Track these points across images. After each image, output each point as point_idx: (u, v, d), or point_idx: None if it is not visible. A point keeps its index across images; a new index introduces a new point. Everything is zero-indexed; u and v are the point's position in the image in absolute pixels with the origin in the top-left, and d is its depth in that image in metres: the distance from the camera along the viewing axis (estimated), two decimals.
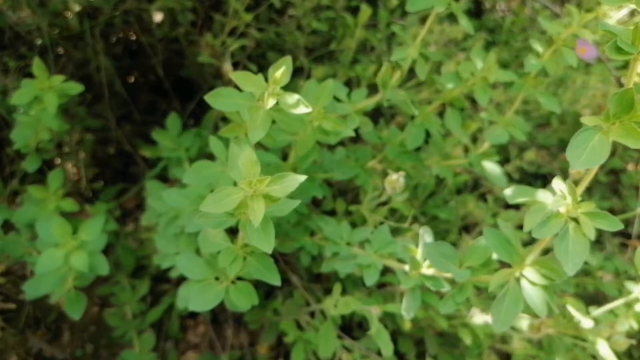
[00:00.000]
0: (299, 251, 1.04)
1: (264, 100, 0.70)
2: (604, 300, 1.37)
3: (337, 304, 0.94)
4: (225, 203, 0.60)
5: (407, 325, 1.10)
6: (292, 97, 0.71)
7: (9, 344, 1.25)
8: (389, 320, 1.16)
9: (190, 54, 1.58)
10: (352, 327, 1.33)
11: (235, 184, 0.63)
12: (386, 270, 0.96)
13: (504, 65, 1.73)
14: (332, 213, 1.17)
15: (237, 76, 0.70)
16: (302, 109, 0.70)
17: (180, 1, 1.45)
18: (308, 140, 0.83)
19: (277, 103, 0.71)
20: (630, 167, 1.80)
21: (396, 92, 0.96)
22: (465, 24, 0.92)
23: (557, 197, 0.63)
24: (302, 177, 0.61)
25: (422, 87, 1.40)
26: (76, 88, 1.11)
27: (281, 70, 0.69)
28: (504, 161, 1.57)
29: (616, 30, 0.56)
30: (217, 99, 0.72)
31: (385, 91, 0.95)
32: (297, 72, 1.62)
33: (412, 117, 1.01)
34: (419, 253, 0.82)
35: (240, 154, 0.61)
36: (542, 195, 0.66)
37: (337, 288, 0.97)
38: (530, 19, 1.88)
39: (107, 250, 1.35)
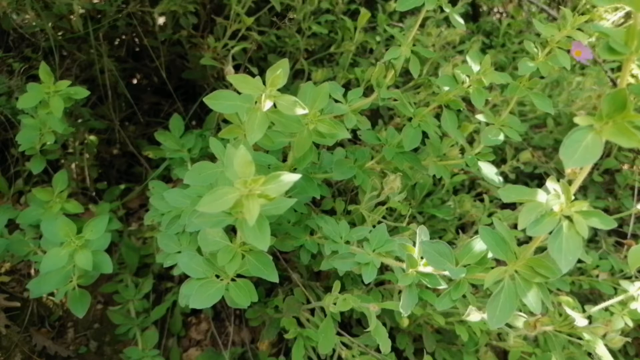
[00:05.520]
0: (299, 249, 1.06)
1: (261, 102, 0.72)
2: (599, 298, 1.38)
3: (337, 302, 0.95)
4: (221, 202, 0.61)
5: (404, 322, 1.11)
6: (289, 99, 0.72)
7: (14, 341, 1.27)
8: (387, 317, 1.18)
9: (192, 56, 1.60)
10: (351, 324, 1.35)
11: (232, 183, 0.64)
12: (384, 268, 0.98)
13: (500, 67, 1.75)
14: (331, 212, 1.19)
15: (234, 79, 0.71)
16: (299, 111, 0.71)
17: (182, 4, 1.47)
18: (304, 143, 0.84)
19: (274, 105, 0.72)
20: (625, 167, 1.81)
21: (391, 91, 0.98)
22: (456, 20, 0.93)
23: (550, 195, 0.65)
24: (296, 176, 0.62)
25: (420, 90, 1.42)
26: (81, 93, 1.13)
27: (278, 73, 0.70)
28: (500, 162, 1.59)
29: (609, 31, 0.57)
30: (216, 101, 0.74)
31: (380, 90, 0.97)
32: (298, 74, 1.64)
33: (410, 119, 1.03)
34: (416, 251, 0.84)
35: (236, 154, 0.63)
36: (537, 194, 0.67)
37: (336, 286, 0.98)
38: (527, 22, 1.90)
39: (111, 249, 1.37)
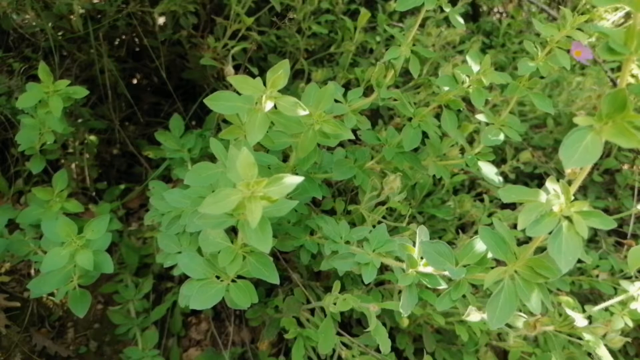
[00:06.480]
0: (299, 250, 1.06)
1: (261, 103, 0.72)
2: (599, 298, 1.38)
3: (337, 302, 0.95)
4: (223, 204, 0.61)
5: (404, 322, 1.12)
6: (290, 100, 0.72)
7: (14, 341, 1.27)
8: (387, 317, 1.18)
9: (192, 56, 1.60)
10: (351, 324, 1.35)
11: (234, 185, 0.64)
12: (384, 268, 0.98)
13: (500, 67, 1.75)
14: (331, 212, 1.19)
15: (235, 80, 0.71)
16: (300, 112, 0.71)
17: (182, 4, 1.47)
18: (309, 143, 0.84)
19: (274, 106, 0.72)
20: (625, 167, 1.81)
21: (391, 91, 0.98)
22: (456, 20, 0.94)
23: (550, 196, 0.65)
24: (300, 179, 0.62)
25: (420, 90, 1.42)
26: (81, 92, 1.13)
27: (279, 74, 0.70)
28: (500, 162, 1.59)
29: (608, 32, 0.58)
30: (217, 102, 0.74)
31: (380, 90, 0.97)
32: (298, 74, 1.64)
33: (410, 119, 1.03)
34: (416, 251, 0.84)
35: (238, 156, 0.63)
36: (537, 194, 0.67)
37: (336, 286, 0.98)
38: (527, 22, 1.90)
39: (111, 249, 1.36)
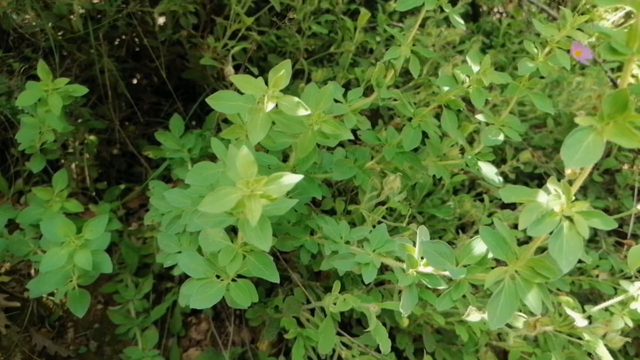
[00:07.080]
0: (299, 250, 1.06)
1: (263, 103, 0.72)
2: (599, 298, 1.39)
3: (337, 302, 0.95)
4: (223, 203, 0.61)
5: (404, 322, 1.12)
6: (292, 100, 0.72)
7: (14, 341, 1.27)
8: (387, 317, 1.18)
9: (192, 56, 1.60)
10: (351, 324, 1.35)
11: (234, 184, 0.64)
12: (384, 268, 0.98)
13: (500, 67, 1.75)
14: (331, 212, 1.19)
15: (237, 79, 0.71)
16: (302, 112, 0.71)
17: (182, 4, 1.47)
18: (308, 144, 0.84)
19: (276, 106, 0.72)
20: (625, 167, 1.81)
21: (391, 91, 0.98)
22: (456, 20, 0.94)
23: (551, 196, 0.64)
24: (299, 177, 0.62)
25: (420, 90, 1.42)
26: (80, 90, 1.13)
27: (280, 74, 0.70)
28: (500, 162, 1.59)
29: (610, 32, 0.58)
30: (219, 102, 0.74)
31: (380, 90, 0.97)
32: (298, 74, 1.64)
33: (410, 119, 1.03)
34: (416, 251, 0.84)
35: (238, 154, 0.63)
36: (537, 194, 0.67)
37: (336, 286, 0.98)
38: (527, 22, 1.90)
39: (111, 249, 1.37)
